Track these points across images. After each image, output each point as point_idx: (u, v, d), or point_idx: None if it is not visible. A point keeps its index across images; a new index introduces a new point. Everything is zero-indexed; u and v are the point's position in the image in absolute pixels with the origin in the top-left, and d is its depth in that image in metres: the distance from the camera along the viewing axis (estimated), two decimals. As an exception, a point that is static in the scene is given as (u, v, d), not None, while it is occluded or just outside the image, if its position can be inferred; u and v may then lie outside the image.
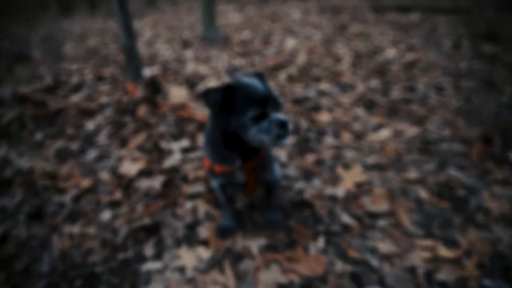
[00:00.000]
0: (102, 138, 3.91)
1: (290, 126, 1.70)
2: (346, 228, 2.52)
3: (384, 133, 3.75)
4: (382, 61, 6.10)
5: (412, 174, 3.05)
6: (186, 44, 8.20)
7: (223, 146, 1.99)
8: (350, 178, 3.01)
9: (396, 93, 4.76)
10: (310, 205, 2.74)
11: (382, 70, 5.60)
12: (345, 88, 5.03)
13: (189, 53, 7.41)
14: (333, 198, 2.81)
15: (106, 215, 2.75)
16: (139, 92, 4.58)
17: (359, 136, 3.75)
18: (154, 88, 4.88)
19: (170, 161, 3.32)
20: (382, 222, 2.53)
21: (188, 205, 2.79)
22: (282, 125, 1.67)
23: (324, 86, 5.04)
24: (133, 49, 4.76)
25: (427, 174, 3.05)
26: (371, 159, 3.29)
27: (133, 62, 4.87)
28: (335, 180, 3.03)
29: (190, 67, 6.31)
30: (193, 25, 10.64)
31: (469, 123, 3.93)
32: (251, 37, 8.26)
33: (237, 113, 1.71)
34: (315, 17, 10.74)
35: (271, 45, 7.46)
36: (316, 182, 2.99)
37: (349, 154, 3.41)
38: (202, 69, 6.17)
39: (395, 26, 8.85)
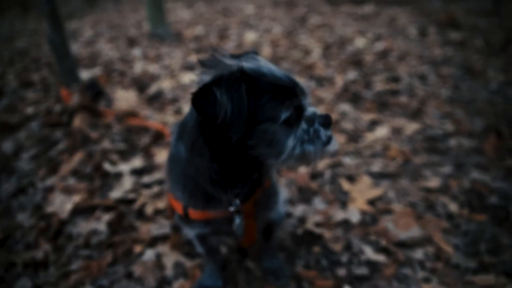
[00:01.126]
0: (23, 163, 2.92)
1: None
2: (374, 267, 1.85)
3: (381, 132, 3.16)
4: (353, 51, 5.60)
5: (431, 181, 2.47)
6: (132, 42, 7.19)
7: (213, 183, 1.24)
8: (360, 194, 2.36)
9: (379, 84, 4.23)
10: (319, 238, 2.04)
11: (356, 61, 5.08)
12: (322, 81, 4.42)
13: (136, 52, 6.45)
14: (345, 225, 2.14)
15: None
16: (74, 98, 3.61)
17: (354, 138, 3.12)
18: (95, 92, 3.93)
19: (119, 190, 2.46)
20: (418, 254, 1.90)
21: (149, 254, 1.97)
22: (327, 121, 1.19)
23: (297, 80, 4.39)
24: (64, 45, 3.76)
25: (448, 180, 2.49)
26: (376, 166, 2.68)
27: (65, 62, 3.86)
28: (341, 198, 2.37)
29: (139, 67, 5.38)
30: (139, 23, 9.59)
31: (468, 114, 3.48)
32: (205, 33, 7.46)
33: (257, 120, 1.10)
34: (270, 11, 10.19)
35: (229, 39, 6.72)
36: (319, 204, 2.30)
37: (348, 161, 2.77)
38: (153, 68, 5.28)
39: (354, 17, 8.49)
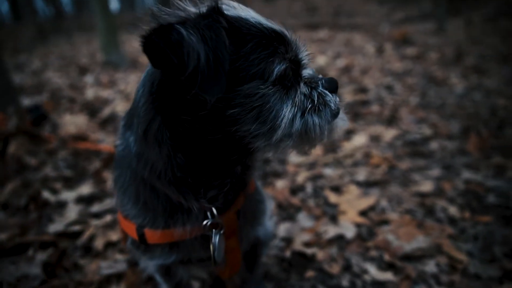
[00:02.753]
0: None
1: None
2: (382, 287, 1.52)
3: (359, 140, 2.95)
4: (316, 68, 5.52)
5: (423, 186, 2.24)
6: (84, 70, 6.73)
7: (177, 183, 0.88)
8: (350, 205, 2.07)
9: (348, 96, 4.09)
10: (311, 260, 1.69)
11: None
12: (289, 97, 4.22)
13: (88, 79, 6.00)
14: (340, 241, 1.81)
15: None
16: (11, 123, 3.09)
17: (331, 148, 2.87)
18: (37, 116, 3.45)
19: (61, 223, 1.98)
20: (430, 266, 1.60)
21: (99, 301, 1.51)
22: (333, 85, 0.92)
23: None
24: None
25: (440, 183, 2.27)
26: (361, 175, 2.42)
27: (0, 82, 3.37)
28: (329, 211, 2.05)
29: (91, 93, 4.94)
30: (93, 53, 9.16)
31: (442, 117, 3.38)
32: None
33: (239, 78, 0.78)
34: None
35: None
36: (305, 221, 1.97)
37: (330, 172, 2.49)
38: (106, 93, 4.86)
39: (311, 41, 8.62)
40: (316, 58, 6.23)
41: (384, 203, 2.10)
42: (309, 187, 2.31)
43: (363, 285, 1.54)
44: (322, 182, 2.37)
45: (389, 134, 3.04)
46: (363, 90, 4.30)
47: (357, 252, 1.72)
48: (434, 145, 2.83)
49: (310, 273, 1.61)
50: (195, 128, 0.80)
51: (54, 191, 2.32)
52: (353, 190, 2.21)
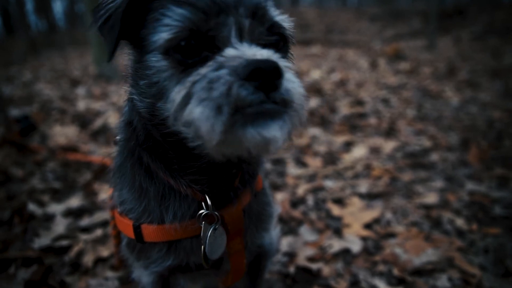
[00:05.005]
0: None
1: (296, 85, 0.72)
2: (393, 306, 1.43)
3: (359, 152, 2.89)
4: (311, 81, 5.52)
5: (428, 197, 2.18)
6: (76, 83, 6.64)
7: (158, 158, 0.86)
8: (354, 218, 1.98)
9: (345, 109, 4.07)
10: (316, 276, 1.59)
11: (316, 89, 4.96)
12: (285, 109, 4.17)
13: (80, 91, 5.91)
14: (345, 256, 1.72)
15: None
16: (-4, 134, 2.97)
17: (331, 160, 2.80)
18: (26, 127, 3.33)
19: (47, 237, 1.85)
20: (442, 281, 1.52)
21: (88, 323, 1.38)
22: (256, 72, 0.66)
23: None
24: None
25: (444, 194, 2.21)
26: (363, 187, 2.35)
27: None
28: (332, 224, 1.97)
29: (82, 105, 4.83)
30: (85, 66, 9.09)
31: (440, 129, 3.36)
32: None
33: (143, 46, 0.80)
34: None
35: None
36: (308, 234, 1.88)
37: (331, 184, 2.41)
38: (98, 105, 4.76)
39: (304, 56, 8.70)
40: (311, 72, 6.24)
41: (388, 215, 2.02)
42: (310, 200, 2.22)
43: (374, 303, 1.44)
44: (323, 195, 2.28)
45: (388, 146, 2.99)
46: (359, 102, 4.28)
47: (364, 267, 1.63)
48: (434, 156, 2.78)
49: (315, 290, 1.51)
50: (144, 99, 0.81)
51: (41, 204, 2.19)
52: (356, 202, 2.13)
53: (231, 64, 0.67)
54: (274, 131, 0.66)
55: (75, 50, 16.12)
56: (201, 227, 0.89)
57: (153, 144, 0.85)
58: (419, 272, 1.58)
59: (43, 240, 1.82)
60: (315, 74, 6.07)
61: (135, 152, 0.90)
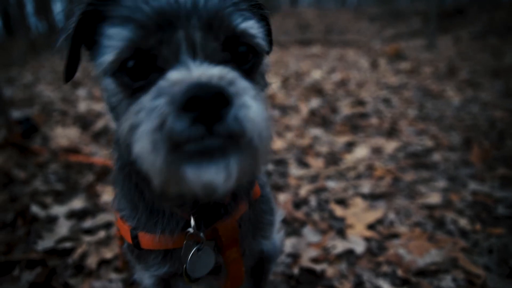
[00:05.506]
0: None
1: (252, 113, 0.59)
2: (398, 307, 1.43)
3: (361, 152, 2.89)
4: (312, 82, 5.53)
5: (430, 197, 2.18)
6: (77, 84, 6.64)
7: (141, 180, 0.80)
8: (357, 218, 1.98)
9: (346, 109, 4.07)
10: (320, 277, 1.59)
11: (317, 89, 4.96)
12: (286, 110, 4.18)
13: (81, 92, 5.91)
14: (349, 256, 1.71)
15: None
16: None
17: (333, 161, 2.80)
18: (28, 128, 3.33)
19: (50, 239, 1.85)
20: (447, 282, 1.51)
21: (92, 325, 1.38)
22: (195, 102, 0.56)
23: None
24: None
25: (447, 194, 2.21)
26: (365, 187, 2.34)
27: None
28: (336, 225, 1.96)
29: (83, 106, 4.83)
30: (85, 68, 9.08)
31: (441, 129, 3.35)
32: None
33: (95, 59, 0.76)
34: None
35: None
36: (311, 235, 1.87)
37: (333, 185, 2.41)
38: (99, 106, 4.75)
39: (304, 56, 8.70)
40: (311, 72, 6.25)
41: (392, 216, 2.02)
42: (313, 201, 2.22)
43: (378, 303, 1.44)
44: (326, 195, 2.28)
45: (390, 146, 2.99)
46: (360, 102, 4.28)
47: (368, 268, 1.63)
48: (436, 156, 2.78)
49: (320, 291, 1.51)
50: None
51: (44, 206, 2.19)
52: (359, 203, 2.13)
53: (171, 90, 0.58)
54: (213, 174, 0.56)
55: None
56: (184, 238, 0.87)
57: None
58: (423, 272, 1.58)
59: (46, 242, 1.82)
60: (316, 74, 6.07)
61: (125, 169, 0.87)
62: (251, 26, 0.71)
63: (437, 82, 5.25)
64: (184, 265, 0.90)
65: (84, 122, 4.01)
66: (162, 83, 0.60)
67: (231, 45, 0.70)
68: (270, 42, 0.94)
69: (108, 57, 0.67)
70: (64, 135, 3.43)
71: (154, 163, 0.57)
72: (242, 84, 0.62)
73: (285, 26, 17.45)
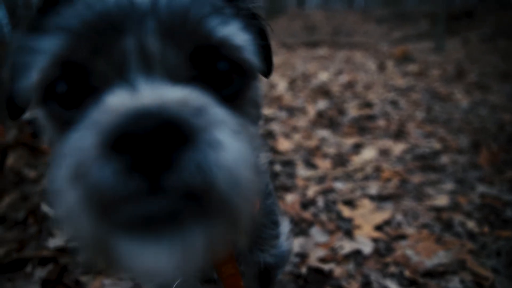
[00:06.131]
0: None
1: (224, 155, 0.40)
2: (405, 308, 1.43)
3: (369, 154, 2.89)
4: (319, 83, 5.53)
5: (438, 200, 2.17)
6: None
7: None
8: (364, 219, 1.99)
9: (353, 111, 4.07)
10: (328, 276, 1.60)
11: (324, 91, 4.97)
12: (293, 111, 4.19)
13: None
14: (357, 257, 1.72)
15: None
16: (9, 135, 3.02)
17: (340, 162, 2.81)
18: (37, 130, 3.35)
19: (61, 237, 1.88)
20: (454, 283, 1.52)
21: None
22: (125, 141, 0.36)
23: (268, 111, 4.13)
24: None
25: (455, 197, 2.20)
26: (373, 189, 2.35)
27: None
28: (343, 226, 1.97)
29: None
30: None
31: (450, 132, 3.34)
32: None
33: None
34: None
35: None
36: (319, 236, 1.89)
37: (340, 186, 2.42)
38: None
39: (312, 58, 8.70)
40: (319, 74, 6.25)
41: (399, 217, 2.03)
42: (320, 201, 2.23)
43: (386, 304, 1.45)
44: (333, 196, 2.29)
45: (398, 148, 2.99)
46: (368, 104, 4.28)
47: (375, 268, 1.63)
48: (444, 159, 2.77)
49: (327, 291, 1.52)
50: None
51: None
52: (367, 204, 2.14)
53: (101, 122, 0.40)
54: (161, 256, 0.38)
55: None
56: None
57: None
58: (430, 274, 1.58)
59: (57, 240, 1.86)
60: (323, 76, 6.07)
61: None
62: (235, 33, 0.51)
63: (445, 85, 5.22)
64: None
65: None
66: (94, 112, 0.42)
67: (205, 59, 0.50)
68: (270, 62, 0.76)
69: (30, 79, 0.49)
70: (74, 135, 3.48)
71: (78, 231, 0.41)
72: (217, 114, 0.43)
73: (292, 28, 17.49)
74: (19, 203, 2.23)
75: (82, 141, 0.40)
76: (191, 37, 0.48)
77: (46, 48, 0.47)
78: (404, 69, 6.57)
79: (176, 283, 0.82)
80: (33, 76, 0.48)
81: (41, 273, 1.61)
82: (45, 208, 2.13)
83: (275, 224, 1.02)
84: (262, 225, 0.98)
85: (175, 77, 0.47)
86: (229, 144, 0.41)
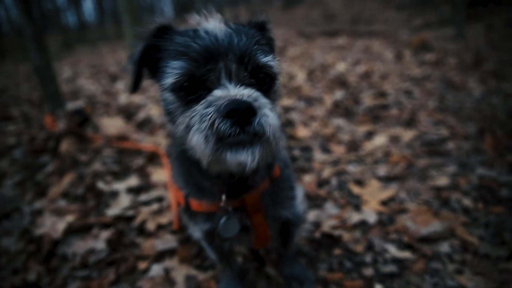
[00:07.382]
0: (7, 189, 2.70)
1: (266, 119, 0.91)
2: (402, 264, 1.74)
3: (380, 140, 3.15)
4: (336, 74, 5.75)
5: (440, 180, 2.43)
6: (115, 78, 7.16)
7: (190, 163, 1.13)
8: (371, 196, 2.28)
9: (368, 100, 4.30)
10: (338, 240, 1.92)
11: (341, 82, 5.19)
12: (311, 101, 4.46)
13: (120, 85, 6.40)
14: (363, 226, 2.03)
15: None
16: (60, 124, 3.45)
17: (353, 148, 3.09)
18: (82, 119, 3.79)
19: (116, 208, 2.27)
20: (444, 247, 1.81)
21: (156, 270, 1.78)
22: (233, 112, 0.87)
23: (288, 101, 4.41)
24: (48, 69, 3.68)
25: (456, 178, 2.45)
26: (382, 171, 2.62)
27: (50, 86, 3.78)
28: (353, 201, 2.27)
29: (123, 98, 5.30)
30: (119, 62, 9.65)
31: (459, 120, 3.55)
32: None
33: (161, 85, 1.05)
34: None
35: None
36: (331, 209, 2.20)
37: (352, 169, 2.71)
38: (138, 99, 5.20)
39: (330, 48, 8.84)
40: (336, 65, 6.45)
41: (403, 195, 2.31)
42: (334, 181, 2.53)
43: (384, 261, 1.75)
44: (345, 177, 2.59)
45: (408, 135, 3.23)
46: (382, 94, 4.50)
47: (378, 235, 1.94)
48: (451, 145, 3.01)
49: (337, 251, 1.84)
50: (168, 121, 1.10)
51: (107, 182, 2.62)
52: (375, 183, 2.42)
53: (217, 103, 0.89)
54: (244, 157, 0.88)
55: (106, 45, 16.77)
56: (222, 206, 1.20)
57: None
58: (425, 240, 1.87)
59: (113, 210, 2.25)
60: (340, 67, 6.27)
61: (180, 156, 1.19)
62: (269, 60, 1.00)
63: (461, 74, 5.34)
64: (217, 229, 1.23)
65: (127, 113, 4.46)
66: (210, 98, 0.92)
67: (255, 73, 0.99)
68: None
69: (170, 79, 0.96)
70: (111, 124, 3.87)
71: (205, 150, 0.88)
72: (263, 100, 0.93)
73: (311, 16, 17.46)
74: (77, 182, 2.64)
75: (208, 109, 0.89)
76: (250, 63, 0.97)
77: (180, 66, 0.95)
78: (421, 58, 6.66)
79: (222, 219, 1.19)
80: (172, 78, 0.96)
81: (105, 234, 2.00)
82: (100, 185, 2.53)
83: (291, 188, 1.39)
84: (281, 188, 1.35)
85: (243, 83, 0.96)
86: (269, 114, 0.92)
